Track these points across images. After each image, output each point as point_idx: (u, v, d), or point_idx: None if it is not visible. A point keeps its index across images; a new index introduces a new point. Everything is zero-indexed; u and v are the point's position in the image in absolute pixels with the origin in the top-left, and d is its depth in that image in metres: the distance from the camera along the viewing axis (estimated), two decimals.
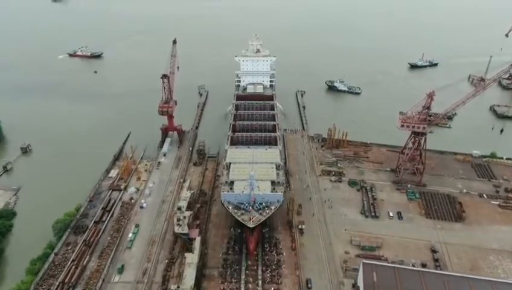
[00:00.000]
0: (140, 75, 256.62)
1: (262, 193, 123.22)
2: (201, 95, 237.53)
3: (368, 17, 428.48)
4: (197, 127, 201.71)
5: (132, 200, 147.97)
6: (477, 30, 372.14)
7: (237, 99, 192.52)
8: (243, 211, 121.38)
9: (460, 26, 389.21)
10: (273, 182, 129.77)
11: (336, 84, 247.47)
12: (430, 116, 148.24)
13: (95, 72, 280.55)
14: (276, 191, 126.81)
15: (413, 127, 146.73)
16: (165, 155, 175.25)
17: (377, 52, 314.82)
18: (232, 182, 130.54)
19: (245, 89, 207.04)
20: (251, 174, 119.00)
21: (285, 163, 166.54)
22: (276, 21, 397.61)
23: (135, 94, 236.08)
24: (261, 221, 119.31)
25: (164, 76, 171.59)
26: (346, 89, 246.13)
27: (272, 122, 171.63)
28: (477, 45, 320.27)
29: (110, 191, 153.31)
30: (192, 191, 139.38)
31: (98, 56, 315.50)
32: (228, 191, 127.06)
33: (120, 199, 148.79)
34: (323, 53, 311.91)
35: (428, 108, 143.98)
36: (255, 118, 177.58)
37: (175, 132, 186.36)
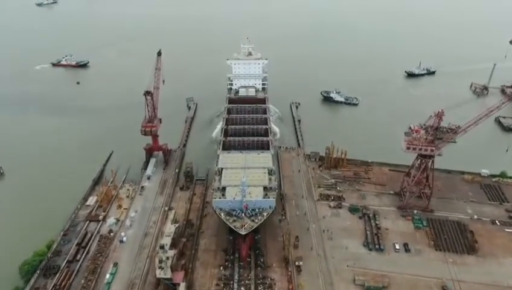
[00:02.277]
0: (127, 86, 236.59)
1: (254, 199, 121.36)
2: (189, 108, 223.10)
3: (362, 22, 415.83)
4: (184, 145, 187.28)
5: (111, 234, 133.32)
6: (476, 36, 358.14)
7: (229, 103, 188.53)
8: (235, 218, 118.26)
9: (458, 32, 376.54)
10: (265, 188, 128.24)
11: (332, 94, 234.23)
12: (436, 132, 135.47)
13: (78, 83, 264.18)
14: (269, 197, 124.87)
15: (420, 149, 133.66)
16: (149, 178, 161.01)
17: (372, 59, 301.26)
18: (224, 188, 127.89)
19: (237, 92, 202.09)
20: (243, 181, 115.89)
21: (279, 186, 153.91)
22: (268, 27, 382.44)
23: (120, 108, 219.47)
24: (253, 228, 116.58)
25: (147, 93, 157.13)
26: (342, 100, 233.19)
27: (264, 126, 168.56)
28: (478, 51, 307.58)
29: (87, 222, 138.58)
30: (176, 225, 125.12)
31: (83, 65, 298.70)
32: (220, 198, 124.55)
33: (98, 232, 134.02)
34: (317, 60, 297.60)
35: (437, 129, 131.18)
36: (247, 121, 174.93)
37: (160, 152, 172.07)
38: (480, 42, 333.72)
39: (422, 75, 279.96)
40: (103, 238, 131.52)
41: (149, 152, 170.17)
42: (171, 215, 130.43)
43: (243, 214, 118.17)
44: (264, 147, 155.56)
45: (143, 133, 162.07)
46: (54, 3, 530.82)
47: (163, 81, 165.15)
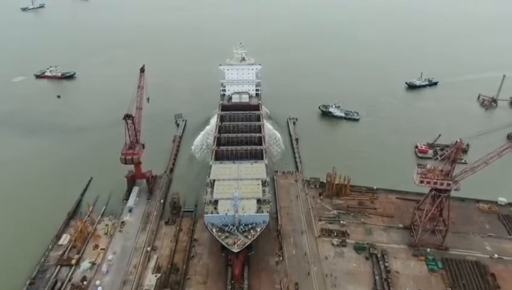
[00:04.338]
0: (115, 100, 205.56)
1: (247, 213, 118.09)
2: (178, 125, 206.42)
3: (361, 25, 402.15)
4: (171, 170, 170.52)
5: (84, 282, 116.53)
6: (482, 43, 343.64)
7: (222, 110, 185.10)
8: (227, 234, 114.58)
9: (462, 39, 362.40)
10: (259, 200, 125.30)
11: (331, 109, 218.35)
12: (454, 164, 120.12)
13: (58, 96, 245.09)
14: (262, 211, 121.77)
15: (436, 183, 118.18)
16: (130, 211, 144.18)
17: (370, 68, 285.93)
18: (216, 201, 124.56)
19: (230, 98, 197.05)
20: (235, 195, 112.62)
21: (276, 218, 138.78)
22: (262, 34, 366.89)
23: (104, 126, 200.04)
24: (246, 245, 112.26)
25: (127, 116, 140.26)
26: (342, 114, 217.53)
27: (258, 135, 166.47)
28: (483, 60, 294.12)
29: (58, 267, 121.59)
30: (158, 276, 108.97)
31: (70, 77, 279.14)
32: (212, 212, 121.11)
33: (69, 280, 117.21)
34: (313, 68, 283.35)
35: (454, 161, 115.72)
36: (240, 129, 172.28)
37: (144, 179, 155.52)
38: (487, 50, 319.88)
39: (424, 86, 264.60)
40: (75, 288, 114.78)
41: (131, 180, 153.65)
42: (152, 262, 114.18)
43: (236, 230, 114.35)
44: (257, 156, 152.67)
45: (123, 162, 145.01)
46: (40, 7, 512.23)
47: (148, 99, 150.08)
